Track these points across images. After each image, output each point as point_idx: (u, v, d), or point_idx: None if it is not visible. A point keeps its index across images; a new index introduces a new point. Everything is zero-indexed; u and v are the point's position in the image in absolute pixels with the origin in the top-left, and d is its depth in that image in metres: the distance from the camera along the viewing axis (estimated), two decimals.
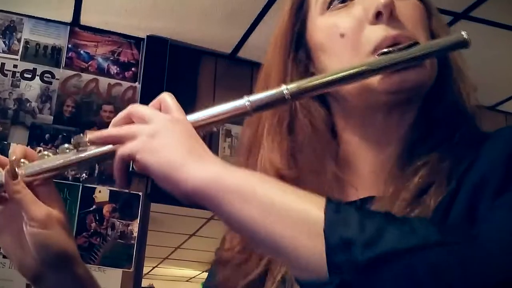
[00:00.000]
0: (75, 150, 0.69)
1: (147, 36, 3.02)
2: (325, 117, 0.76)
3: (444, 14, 2.70)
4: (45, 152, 0.72)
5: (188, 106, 2.65)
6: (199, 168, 0.59)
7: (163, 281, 7.77)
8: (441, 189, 0.64)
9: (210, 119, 0.68)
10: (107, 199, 2.77)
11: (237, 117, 0.68)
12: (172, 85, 2.98)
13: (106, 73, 2.97)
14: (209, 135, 3.06)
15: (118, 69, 3.00)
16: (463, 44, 0.68)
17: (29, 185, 0.70)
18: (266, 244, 0.55)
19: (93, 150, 0.68)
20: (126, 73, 3.00)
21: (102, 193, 2.77)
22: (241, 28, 2.95)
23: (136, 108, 0.67)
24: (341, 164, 0.75)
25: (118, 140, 0.65)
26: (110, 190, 2.77)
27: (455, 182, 0.63)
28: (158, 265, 7.08)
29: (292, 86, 0.66)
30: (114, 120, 0.68)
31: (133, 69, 3.01)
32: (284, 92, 0.66)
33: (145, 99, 2.92)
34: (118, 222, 2.76)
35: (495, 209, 0.56)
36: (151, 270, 7.23)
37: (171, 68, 3.02)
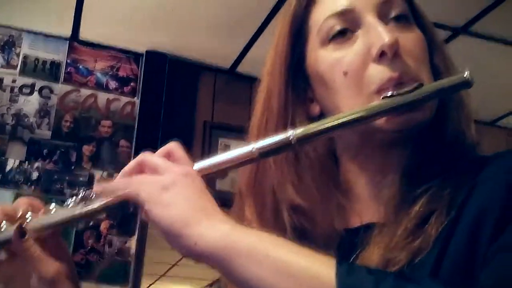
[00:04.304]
0: (83, 203, 0.68)
1: (146, 51, 3.02)
2: (327, 142, 0.75)
3: (443, 29, 2.70)
4: (52, 206, 0.71)
5: (187, 121, 2.62)
6: (210, 229, 0.59)
7: None
8: (441, 218, 0.63)
9: (216, 167, 0.67)
10: (105, 216, 2.74)
11: (244, 164, 0.67)
12: (171, 100, 2.98)
13: (105, 88, 2.96)
14: (207, 150, 3.04)
15: (117, 84, 2.99)
16: (466, 84, 0.67)
17: (35, 239, 0.70)
18: None
19: (101, 202, 0.67)
20: (125, 88, 2.99)
21: None
22: (241, 43, 2.95)
23: (148, 158, 0.67)
24: (342, 190, 0.74)
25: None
26: None
27: (455, 211, 0.63)
28: (155, 282, 7.03)
29: (299, 132, 0.65)
30: (124, 170, 0.68)
31: (132, 84, 3.01)
32: (290, 138, 0.65)
33: (144, 115, 2.91)
34: (116, 239, 2.73)
35: (498, 256, 0.56)
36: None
37: (170, 83, 3.02)
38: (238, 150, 0.67)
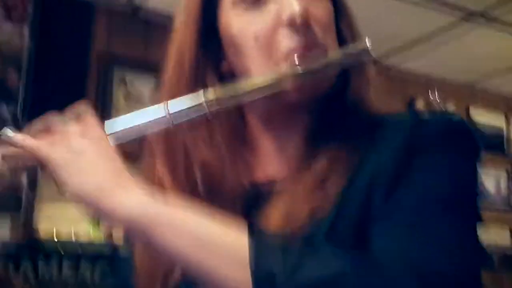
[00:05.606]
0: None
1: None
2: None
3: None
4: None
5: (81, 51, 2.52)
6: (126, 198, 0.60)
7: (48, 221, 7.57)
8: (340, 178, 0.68)
9: (128, 133, 0.67)
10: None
11: (156, 129, 0.69)
12: (64, 29, 2.83)
13: None
14: (103, 83, 2.98)
15: (3, 10, 2.78)
16: (367, 53, 0.72)
17: None
18: (197, 274, 0.59)
19: (7, 163, 0.64)
20: (12, 14, 2.79)
21: None
22: None
23: (56, 121, 0.65)
24: (248, 146, 0.78)
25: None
26: None
27: (352, 171, 0.68)
28: (43, 204, 6.89)
29: (212, 99, 0.68)
30: (31, 131, 0.65)
31: (20, 11, 2.80)
32: (204, 105, 0.68)
33: (35, 44, 2.76)
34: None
35: (388, 217, 0.62)
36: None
37: (63, 11, 2.85)
38: (151, 115, 0.67)
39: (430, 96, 3.93)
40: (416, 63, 3.83)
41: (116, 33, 3.07)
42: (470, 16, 3.23)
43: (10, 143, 0.64)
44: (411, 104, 3.97)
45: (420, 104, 3.97)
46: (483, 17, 3.24)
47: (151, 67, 2.95)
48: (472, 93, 4.31)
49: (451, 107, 4.08)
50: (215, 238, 0.59)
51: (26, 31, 2.80)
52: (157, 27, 2.98)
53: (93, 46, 2.94)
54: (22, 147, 0.64)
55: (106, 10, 3.06)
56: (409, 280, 0.56)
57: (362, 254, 0.61)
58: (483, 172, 4.02)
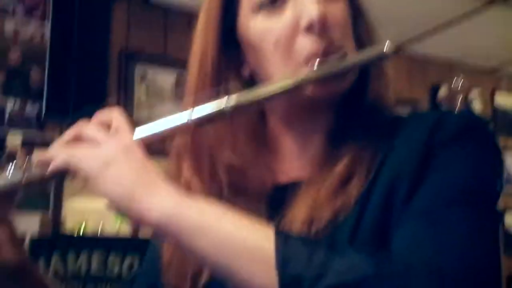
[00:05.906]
0: (23, 172, 0.68)
1: None
2: None
3: None
4: None
5: (102, 48, 2.54)
6: (158, 202, 0.62)
7: (75, 215, 7.68)
8: (362, 180, 0.69)
9: (155, 137, 0.70)
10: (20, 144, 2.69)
11: (180, 131, 0.72)
12: (84, 31, 2.85)
13: (12, 14, 2.79)
14: (124, 79, 3.00)
15: (25, 9, 2.81)
16: (385, 56, 0.72)
17: None
18: (224, 275, 0.61)
19: (41, 172, 0.67)
20: (34, 13, 2.83)
21: (14, 138, 2.67)
22: None
23: (86, 129, 0.67)
24: (270, 147, 0.79)
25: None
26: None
27: (373, 173, 0.69)
28: (70, 198, 7.00)
29: (232, 102, 0.69)
30: (63, 139, 0.68)
31: (41, 9, 2.84)
32: (225, 109, 0.69)
33: (56, 42, 2.79)
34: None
35: (409, 221, 0.63)
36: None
37: (82, 11, 2.88)
38: (175, 120, 0.69)
39: (454, 82, 3.88)
40: (439, 48, 3.77)
41: (134, 28, 3.07)
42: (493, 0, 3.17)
43: (45, 158, 0.67)
44: (434, 90, 3.93)
45: (443, 91, 3.92)
46: (506, 0, 3.18)
47: (171, 61, 2.97)
48: (496, 78, 4.24)
49: (475, 92, 4.02)
50: (243, 240, 0.60)
51: (47, 28, 2.82)
52: (174, 16, 3.00)
53: (112, 42, 2.95)
54: (54, 165, 0.67)
55: (123, 5, 3.06)
56: (431, 283, 0.57)
57: (384, 256, 0.61)
58: (508, 157, 3.96)
